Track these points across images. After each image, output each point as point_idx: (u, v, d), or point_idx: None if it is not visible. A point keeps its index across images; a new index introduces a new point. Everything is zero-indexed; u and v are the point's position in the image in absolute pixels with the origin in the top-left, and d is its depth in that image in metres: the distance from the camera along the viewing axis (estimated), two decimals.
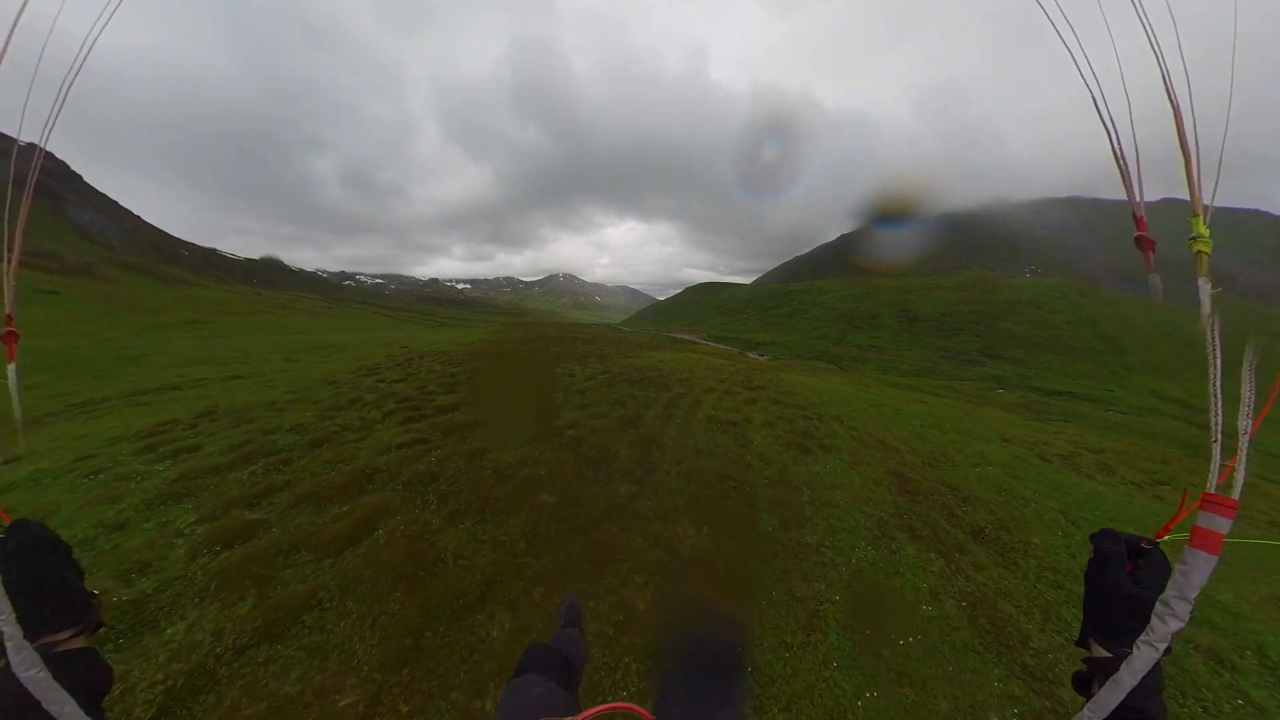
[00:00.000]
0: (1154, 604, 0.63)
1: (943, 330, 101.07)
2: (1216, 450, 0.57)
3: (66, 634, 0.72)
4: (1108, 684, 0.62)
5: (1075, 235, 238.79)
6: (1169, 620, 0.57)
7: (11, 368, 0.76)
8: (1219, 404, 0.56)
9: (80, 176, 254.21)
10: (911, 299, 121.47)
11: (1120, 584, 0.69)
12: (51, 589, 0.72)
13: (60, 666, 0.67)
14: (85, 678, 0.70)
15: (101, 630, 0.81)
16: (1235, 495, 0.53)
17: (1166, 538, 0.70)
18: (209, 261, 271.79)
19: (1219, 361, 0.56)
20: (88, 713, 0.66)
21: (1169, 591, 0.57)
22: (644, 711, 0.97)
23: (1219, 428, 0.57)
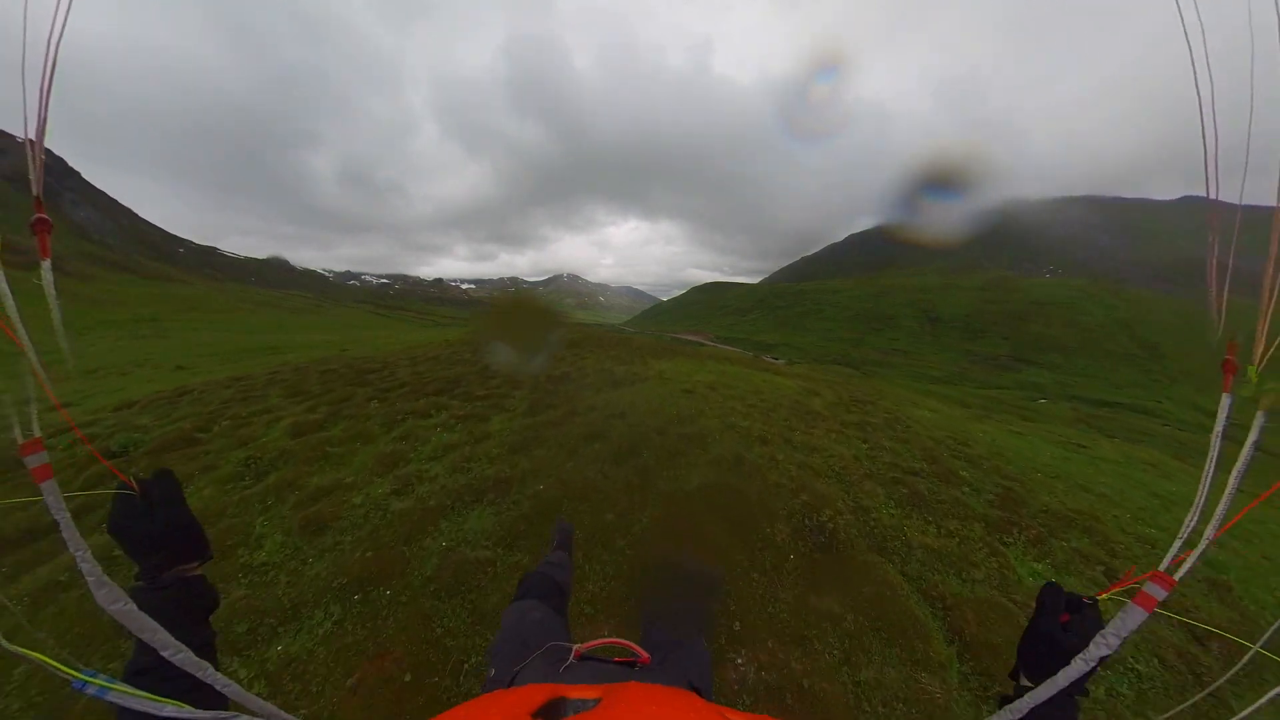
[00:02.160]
0: (1076, 650, 0.73)
1: (967, 332, 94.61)
2: (1178, 542, 0.63)
3: (195, 564, 0.88)
4: (1044, 683, 0.72)
5: (1094, 234, 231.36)
6: (1100, 646, 0.66)
7: (45, 265, 0.67)
8: (1203, 494, 0.60)
9: (78, 173, 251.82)
10: (930, 299, 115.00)
11: (1053, 631, 0.79)
12: (190, 528, 0.87)
13: (193, 587, 0.85)
14: (209, 597, 0.88)
15: (210, 560, 0.93)
16: (1177, 577, 0.61)
17: (1104, 596, 0.79)
18: (206, 260, 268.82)
19: (1215, 457, 0.59)
20: (203, 626, 0.85)
21: (1108, 628, 0.66)
22: (635, 645, 1.08)
23: (1190, 523, 0.62)
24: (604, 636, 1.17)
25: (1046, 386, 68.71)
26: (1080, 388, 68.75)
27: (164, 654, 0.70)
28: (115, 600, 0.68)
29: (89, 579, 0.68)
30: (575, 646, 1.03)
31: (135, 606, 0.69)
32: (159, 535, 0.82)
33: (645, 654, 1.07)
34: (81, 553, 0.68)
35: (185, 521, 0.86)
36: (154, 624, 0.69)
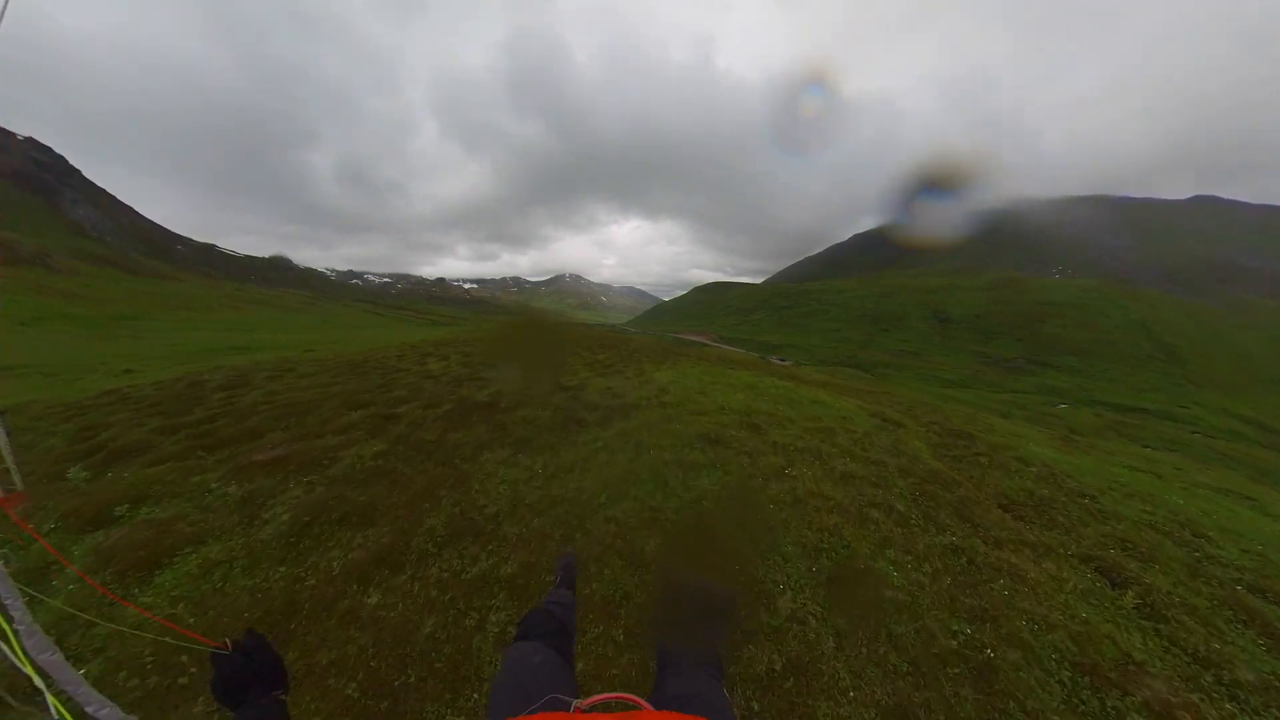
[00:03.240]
0: None
1: (979, 333, 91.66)
2: None
3: (281, 691, 1.09)
4: None
5: (1102, 235, 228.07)
6: None
7: None
8: None
9: (79, 171, 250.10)
10: (938, 299, 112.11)
11: None
12: (279, 665, 1.12)
13: (281, 709, 1.06)
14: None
15: (288, 693, 1.12)
16: None
17: None
18: (205, 258, 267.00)
19: None
20: None
21: None
22: (641, 700, 1.03)
23: None
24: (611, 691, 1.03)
25: (1066, 390, 65.89)
26: (1101, 392, 65.90)
27: (88, 709, 0.74)
28: (44, 650, 0.71)
29: (19, 627, 0.72)
30: (576, 702, 0.99)
31: (62, 657, 0.75)
32: (260, 673, 1.04)
33: (654, 710, 0.99)
34: (14, 600, 0.71)
35: (276, 659, 1.10)
36: (78, 677, 0.74)
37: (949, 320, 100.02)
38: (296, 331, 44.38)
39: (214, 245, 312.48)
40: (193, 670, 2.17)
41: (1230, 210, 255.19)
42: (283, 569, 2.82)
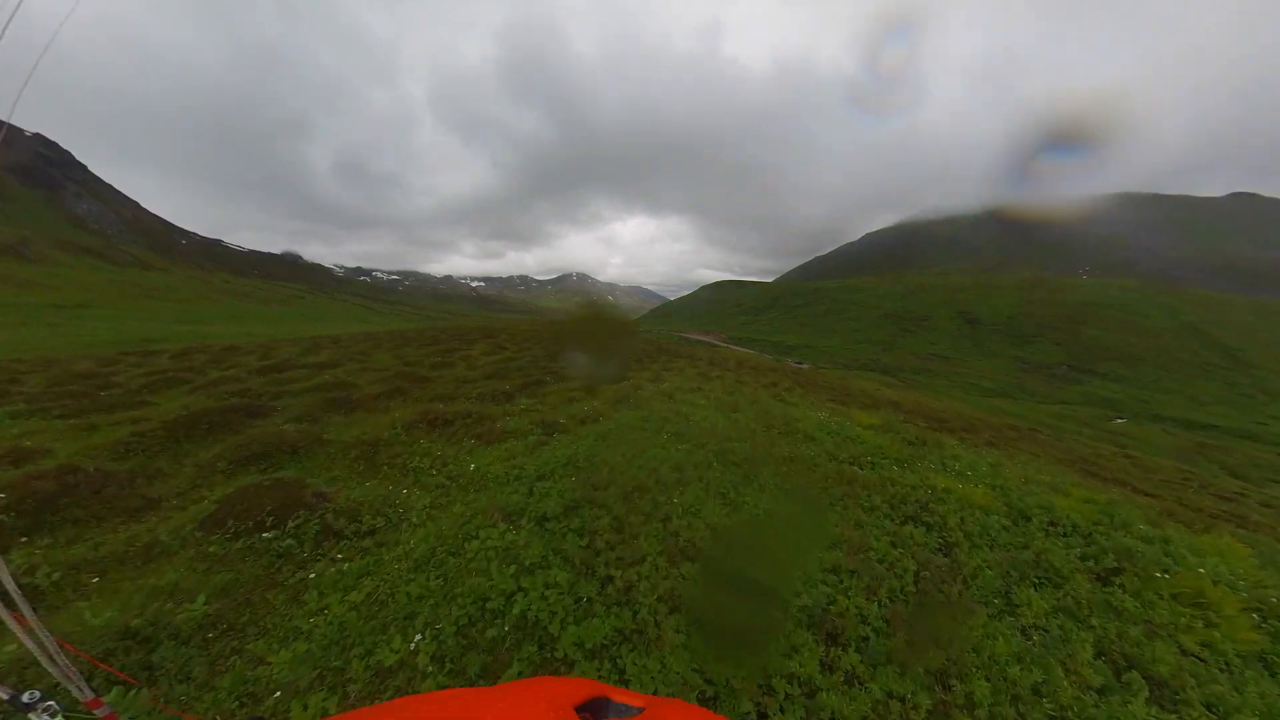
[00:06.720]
0: None
1: (1013, 337, 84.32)
2: None
3: None
4: None
5: (1134, 233, 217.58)
6: None
7: None
8: None
9: (85, 166, 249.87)
10: (965, 298, 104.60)
11: None
12: None
13: None
14: None
15: None
16: None
17: None
18: (208, 252, 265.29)
19: None
20: None
21: None
22: None
23: None
24: None
25: (1119, 402, 58.69)
26: (1158, 404, 58.59)
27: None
28: None
29: None
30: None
31: None
32: None
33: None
34: None
35: None
36: None
37: (978, 321, 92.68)
38: (247, 323, 38.98)
39: (220, 240, 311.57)
40: None
41: (1271, 208, 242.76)
42: None
